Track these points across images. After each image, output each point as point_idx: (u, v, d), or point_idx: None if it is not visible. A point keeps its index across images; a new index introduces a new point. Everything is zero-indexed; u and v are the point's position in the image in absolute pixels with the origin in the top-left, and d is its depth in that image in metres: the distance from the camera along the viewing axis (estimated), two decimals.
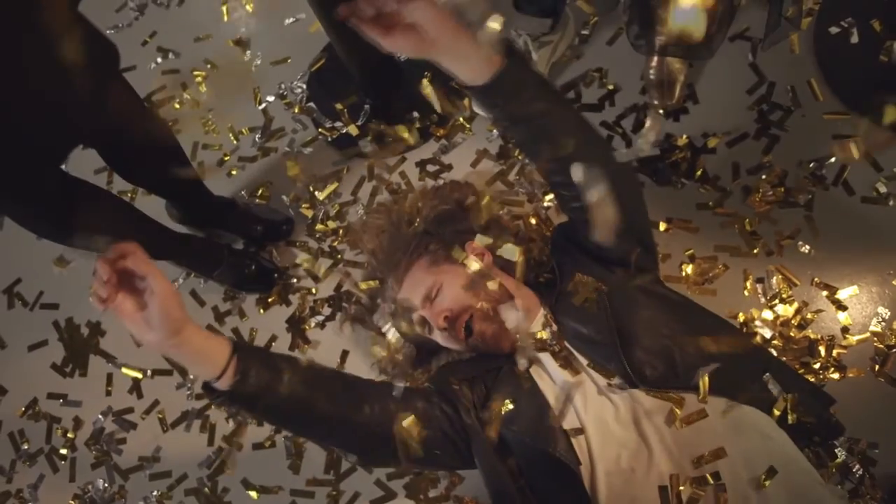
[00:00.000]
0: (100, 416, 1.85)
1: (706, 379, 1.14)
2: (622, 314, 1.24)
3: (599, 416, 1.18)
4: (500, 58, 1.04)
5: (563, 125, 1.16)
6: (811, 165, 1.67)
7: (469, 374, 1.36)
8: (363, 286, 1.70)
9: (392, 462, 1.36)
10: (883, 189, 1.62)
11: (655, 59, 1.60)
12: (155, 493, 1.74)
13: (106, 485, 1.78)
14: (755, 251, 1.63)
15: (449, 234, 1.52)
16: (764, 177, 1.67)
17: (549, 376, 1.28)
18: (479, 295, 1.33)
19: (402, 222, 1.60)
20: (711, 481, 1.07)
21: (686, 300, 1.38)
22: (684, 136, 1.74)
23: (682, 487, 1.08)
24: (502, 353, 1.35)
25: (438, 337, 1.39)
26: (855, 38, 1.62)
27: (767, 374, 1.21)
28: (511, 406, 1.24)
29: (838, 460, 1.38)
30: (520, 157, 1.83)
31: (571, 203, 1.25)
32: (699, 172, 1.71)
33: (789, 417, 1.20)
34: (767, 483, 1.07)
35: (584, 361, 1.25)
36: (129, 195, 1.99)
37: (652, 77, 1.68)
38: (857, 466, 1.40)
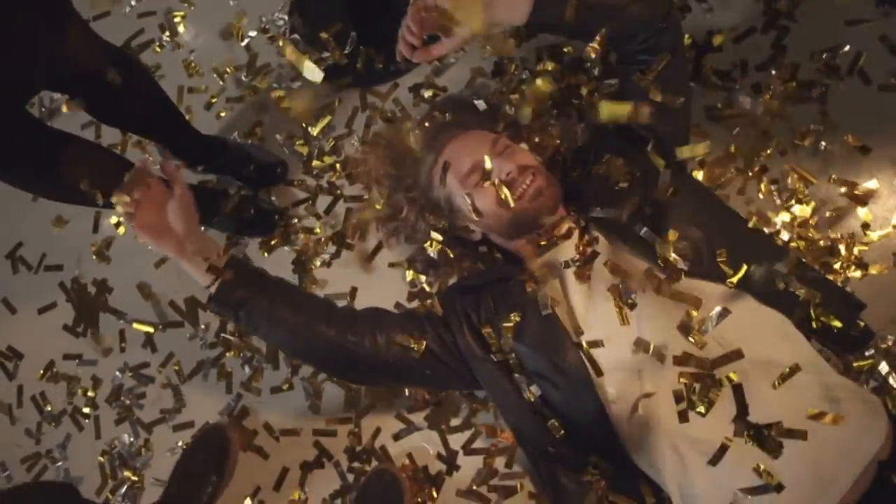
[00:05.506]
0: (117, 373, 1.85)
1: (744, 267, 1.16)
2: (653, 195, 1.24)
3: (611, 323, 1.15)
4: None
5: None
6: (824, 56, 1.57)
7: (478, 282, 1.36)
8: (377, 207, 1.60)
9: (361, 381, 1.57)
10: None
11: None
12: (180, 443, 1.75)
13: (131, 439, 1.80)
14: (768, 151, 1.56)
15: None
16: (774, 72, 1.59)
17: (564, 286, 1.25)
18: (538, 167, 1.33)
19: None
20: (727, 383, 1.00)
21: (714, 195, 1.41)
22: (687, 36, 1.64)
23: (696, 389, 1.02)
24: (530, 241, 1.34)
25: (480, 194, 1.29)
26: None
27: (791, 275, 1.16)
28: (518, 318, 1.24)
29: (864, 362, 1.34)
30: (516, 74, 1.74)
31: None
32: (706, 73, 1.63)
33: (813, 322, 1.16)
34: (786, 382, 1.04)
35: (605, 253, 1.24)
36: (118, 148, 1.92)
37: None
38: (883, 363, 1.37)
